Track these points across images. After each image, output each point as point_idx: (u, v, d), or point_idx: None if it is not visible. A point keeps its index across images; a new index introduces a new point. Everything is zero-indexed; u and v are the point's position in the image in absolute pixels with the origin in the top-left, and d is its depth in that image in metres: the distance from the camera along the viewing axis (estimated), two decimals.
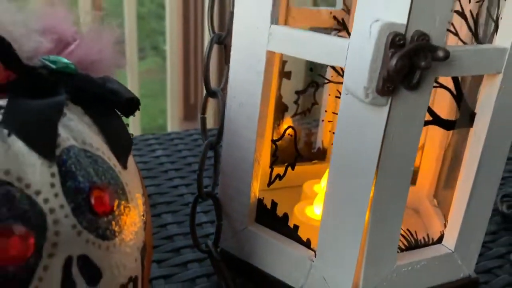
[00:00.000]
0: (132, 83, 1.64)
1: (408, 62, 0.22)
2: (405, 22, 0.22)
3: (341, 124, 0.26)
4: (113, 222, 0.19)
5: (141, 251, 0.21)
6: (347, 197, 0.27)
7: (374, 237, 0.27)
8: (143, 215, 0.22)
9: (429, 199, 0.39)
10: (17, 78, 0.19)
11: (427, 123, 0.28)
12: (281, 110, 0.40)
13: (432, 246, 0.32)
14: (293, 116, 0.40)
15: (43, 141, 0.17)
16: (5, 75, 0.19)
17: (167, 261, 0.34)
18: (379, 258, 0.28)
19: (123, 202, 0.20)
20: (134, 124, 1.68)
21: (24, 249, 0.16)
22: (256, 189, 0.31)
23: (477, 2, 0.29)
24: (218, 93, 0.31)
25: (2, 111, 0.17)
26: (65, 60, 0.21)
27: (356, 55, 0.23)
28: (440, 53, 0.23)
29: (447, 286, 0.32)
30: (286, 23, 0.37)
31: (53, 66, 0.20)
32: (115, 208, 0.19)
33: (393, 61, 0.22)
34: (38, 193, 0.16)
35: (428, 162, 0.39)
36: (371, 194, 0.26)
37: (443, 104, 0.33)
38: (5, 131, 0.17)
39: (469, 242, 0.32)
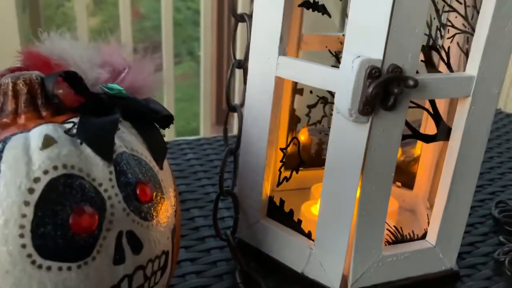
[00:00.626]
0: (168, 87, 1.72)
1: (382, 89, 0.28)
2: (381, 57, 0.28)
3: (332, 136, 0.32)
4: (152, 208, 0.26)
5: (172, 232, 0.28)
6: (337, 197, 0.32)
7: (361, 230, 0.33)
8: (174, 205, 0.29)
9: (423, 202, 0.44)
10: (85, 102, 0.26)
11: (407, 137, 0.34)
12: (294, 121, 0.46)
13: (417, 241, 0.37)
14: (305, 126, 0.46)
15: (104, 148, 0.24)
16: (76, 100, 0.26)
17: (193, 247, 0.41)
18: (366, 248, 0.34)
19: (159, 194, 0.26)
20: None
21: (91, 223, 0.23)
22: (267, 189, 0.38)
23: (448, 38, 0.34)
24: (237, 109, 0.38)
25: (76, 126, 0.24)
26: (118, 87, 0.28)
27: (343, 83, 0.29)
28: (410, 82, 0.28)
29: (430, 276, 0.37)
30: (299, 47, 0.43)
31: (110, 92, 0.27)
32: (153, 198, 0.26)
33: (370, 89, 0.28)
34: (100, 185, 0.23)
35: (424, 170, 0.44)
36: (358, 195, 0.32)
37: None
38: (78, 141, 0.24)
39: (449, 239, 0.37)
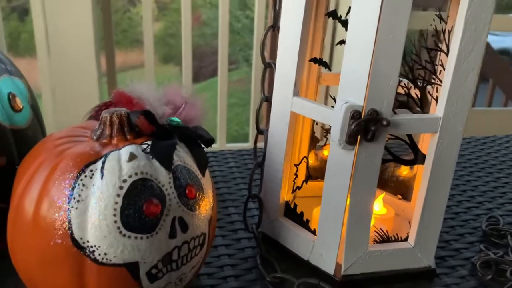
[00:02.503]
0: (221, 91, 1.86)
1: (362, 127, 0.39)
2: (362, 104, 0.39)
3: (329, 158, 0.43)
4: (196, 203, 0.38)
5: (209, 221, 0.40)
6: (332, 204, 0.43)
7: (350, 230, 0.43)
8: (211, 202, 0.41)
9: None
10: (155, 130, 0.39)
11: (388, 161, 0.44)
12: (314, 141, 0.57)
13: (400, 242, 0.47)
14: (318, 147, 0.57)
15: (166, 162, 0.37)
16: (150, 128, 0.39)
17: (228, 236, 0.53)
18: (355, 244, 0.44)
19: (201, 194, 0.39)
20: (221, 132, 1.90)
21: (156, 210, 0.35)
22: (284, 194, 0.49)
23: (419, 88, 0.44)
24: (264, 132, 0.50)
25: (149, 147, 0.37)
26: (177, 119, 0.40)
27: (335, 120, 0.40)
28: (384, 122, 0.39)
29: (409, 271, 0.47)
30: (318, 82, 0.54)
31: (172, 123, 0.40)
32: (197, 196, 0.38)
33: (352, 127, 0.39)
34: (163, 185, 0.36)
35: (419, 186, 0.54)
36: (348, 202, 0.43)
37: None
38: (150, 156, 0.36)
39: (426, 242, 0.46)
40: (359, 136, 0.40)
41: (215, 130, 1.94)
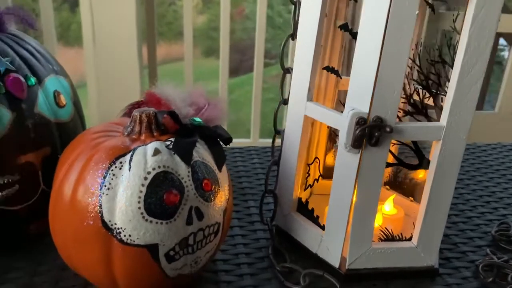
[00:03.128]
0: (256, 86, 1.90)
1: (366, 132, 0.42)
2: (367, 111, 0.42)
3: (337, 160, 0.46)
4: (211, 195, 0.42)
5: (224, 212, 0.44)
6: (339, 202, 0.47)
7: (354, 227, 0.47)
8: (227, 195, 0.45)
9: None
10: (178, 128, 0.44)
11: (393, 164, 0.47)
12: (332, 141, 0.60)
13: (403, 241, 0.50)
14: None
15: (186, 157, 0.41)
16: (174, 127, 0.44)
17: (245, 227, 0.57)
18: (359, 240, 0.47)
19: (217, 187, 0.43)
20: (255, 127, 1.94)
21: (175, 200, 0.40)
22: (297, 191, 0.53)
23: (425, 98, 0.46)
24: (281, 133, 0.53)
25: (172, 143, 0.42)
26: (199, 120, 0.45)
27: (342, 125, 0.43)
28: (387, 129, 0.42)
29: (412, 269, 0.50)
30: (336, 87, 0.58)
31: (194, 123, 0.44)
32: (212, 189, 0.42)
33: (356, 132, 0.42)
34: (182, 178, 0.41)
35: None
36: (354, 201, 0.46)
37: None
38: (173, 152, 0.41)
39: (428, 242, 0.49)
40: (364, 141, 0.43)
41: (249, 125, 1.98)
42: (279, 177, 0.54)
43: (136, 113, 0.43)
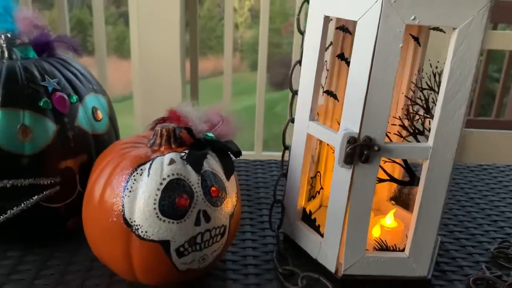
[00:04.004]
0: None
1: (356, 150, 0.47)
2: (357, 131, 0.47)
3: (333, 175, 0.51)
4: (218, 201, 0.49)
5: (230, 216, 0.51)
6: (335, 213, 0.52)
7: (349, 236, 0.51)
8: (234, 201, 0.51)
9: None
10: (193, 142, 0.50)
11: (384, 180, 0.52)
12: None
13: (396, 252, 0.54)
14: None
15: (197, 167, 0.48)
16: (190, 140, 0.51)
17: (256, 233, 0.63)
18: (353, 249, 0.52)
19: (224, 194, 0.49)
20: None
21: (186, 203, 0.46)
22: (301, 202, 0.58)
23: (415, 120, 0.51)
24: (289, 148, 0.59)
25: (186, 155, 0.48)
26: (212, 135, 0.51)
27: (336, 143, 0.49)
28: (375, 148, 0.47)
29: (404, 278, 0.53)
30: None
31: (207, 138, 0.51)
32: (219, 195, 0.49)
33: (347, 150, 0.47)
34: (193, 184, 0.47)
35: None
36: (347, 212, 0.51)
37: None
38: (185, 162, 0.48)
39: (420, 254, 0.53)
40: (354, 158, 0.48)
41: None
42: (286, 188, 0.60)
43: (158, 128, 0.50)
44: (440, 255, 0.61)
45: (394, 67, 0.45)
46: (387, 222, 0.61)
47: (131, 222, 0.46)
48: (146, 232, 0.46)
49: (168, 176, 0.46)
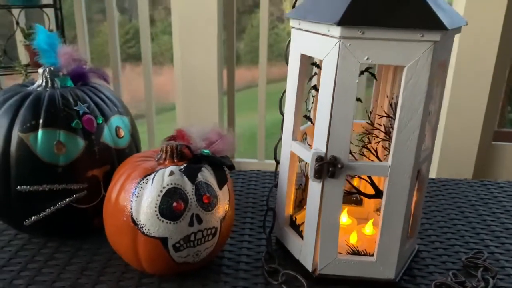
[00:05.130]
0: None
1: (324, 167, 0.56)
2: (324, 151, 0.56)
3: (309, 188, 0.60)
4: (209, 206, 0.59)
5: (221, 220, 0.61)
6: (310, 220, 0.60)
7: (322, 240, 0.60)
8: (226, 208, 0.61)
9: None
10: (192, 157, 0.61)
11: (353, 193, 0.60)
12: None
13: (367, 256, 0.62)
14: None
15: (192, 178, 0.58)
16: (189, 155, 0.61)
17: (254, 235, 0.73)
18: (326, 252, 0.60)
19: (215, 201, 0.60)
20: None
21: (181, 207, 0.57)
22: (289, 210, 0.67)
23: (376, 143, 0.58)
24: (280, 163, 0.68)
25: (184, 168, 0.59)
26: (208, 151, 0.62)
27: (308, 161, 0.57)
28: (339, 165, 0.55)
29: (373, 279, 0.61)
30: None
31: (203, 154, 0.61)
32: (211, 202, 0.59)
33: (316, 166, 0.56)
34: (188, 193, 0.58)
35: None
36: (320, 220, 0.59)
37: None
38: (183, 174, 0.59)
39: (386, 259, 0.60)
40: (322, 173, 0.57)
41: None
42: (277, 198, 0.69)
43: (163, 145, 0.62)
44: (415, 261, 0.68)
45: (352, 99, 0.53)
46: (366, 231, 0.69)
47: (137, 221, 0.57)
48: (149, 230, 0.57)
49: (168, 185, 0.57)
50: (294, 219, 0.67)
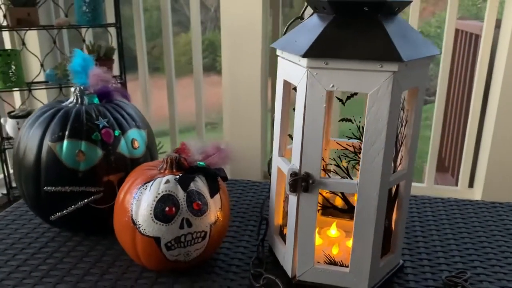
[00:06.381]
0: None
1: (298, 182, 0.62)
2: (298, 167, 0.62)
3: (289, 201, 0.66)
4: (199, 212, 0.67)
5: (211, 225, 0.68)
6: (290, 230, 0.66)
7: (300, 249, 0.65)
8: (217, 215, 0.69)
9: None
10: (188, 168, 0.70)
11: (328, 207, 0.65)
12: None
13: (341, 267, 0.66)
14: None
15: (185, 186, 0.67)
16: (187, 167, 0.70)
17: (250, 241, 0.79)
18: (303, 260, 0.66)
19: (205, 207, 0.67)
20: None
21: (173, 212, 0.65)
22: (278, 220, 0.73)
23: (346, 162, 0.63)
24: (271, 176, 0.75)
25: (178, 177, 0.68)
26: (202, 163, 0.70)
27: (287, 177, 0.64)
28: (310, 181, 0.61)
29: None
30: (328, 146, 0.77)
31: (199, 165, 0.70)
32: (201, 209, 0.67)
33: (290, 182, 0.62)
34: (179, 199, 0.66)
35: None
36: (297, 231, 0.65)
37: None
38: (177, 183, 0.67)
39: (359, 271, 0.64)
40: (298, 188, 0.62)
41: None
42: (269, 209, 0.75)
43: (165, 157, 0.71)
44: (398, 276, 0.71)
45: (320, 122, 0.59)
46: (350, 243, 0.73)
47: (136, 221, 0.66)
48: (144, 229, 0.66)
49: (163, 191, 0.66)
50: (282, 229, 0.73)
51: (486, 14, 1.87)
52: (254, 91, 2.09)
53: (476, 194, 2.02)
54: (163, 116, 2.40)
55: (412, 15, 1.93)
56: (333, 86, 0.57)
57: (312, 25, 0.61)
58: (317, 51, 0.56)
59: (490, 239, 0.81)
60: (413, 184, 2.03)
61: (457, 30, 2.75)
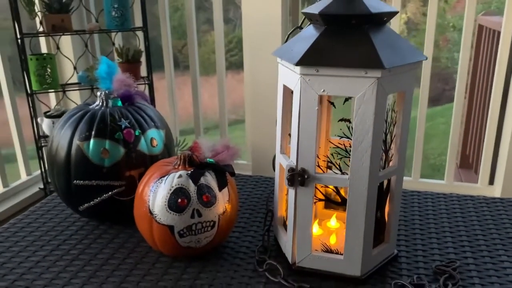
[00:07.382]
0: (419, 123, 2.06)
1: (295, 177, 0.68)
2: (295, 163, 0.69)
3: (288, 195, 0.73)
4: (208, 204, 0.74)
5: (219, 215, 0.76)
6: (290, 221, 0.73)
7: (298, 238, 0.72)
8: (225, 207, 0.76)
9: None
10: (199, 164, 0.77)
11: (322, 200, 0.71)
12: None
13: (336, 254, 0.73)
14: None
15: (195, 180, 0.74)
16: (198, 163, 0.78)
17: (257, 232, 0.87)
18: (301, 248, 0.73)
19: (214, 200, 0.75)
20: (416, 164, 2.08)
21: (185, 203, 0.73)
22: (282, 212, 0.80)
23: (338, 159, 0.69)
24: (275, 171, 0.82)
25: (190, 172, 0.76)
26: (212, 160, 0.78)
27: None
28: (305, 176, 0.68)
29: (342, 275, 0.72)
30: (327, 143, 0.83)
31: (208, 162, 0.77)
32: (210, 201, 0.75)
33: (287, 176, 0.69)
34: (190, 192, 0.74)
35: None
36: (296, 221, 0.72)
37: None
38: (189, 177, 0.75)
39: (352, 257, 0.71)
40: (295, 182, 0.69)
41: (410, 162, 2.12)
42: (274, 200, 0.82)
43: (179, 154, 0.79)
44: (392, 264, 0.77)
45: (314, 122, 0.66)
46: None
47: (153, 211, 0.75)
48: (160, 219, 0.74)
49: (176, 185, 0.74)
50: (285, 219, 0.80)
51: (505, 9, 1.87)
52: (274, 90, 2.15)
53: (496, 191, 2.03)
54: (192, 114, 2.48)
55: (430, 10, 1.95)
56: (323, 90, 0.64)
57: (307, 35, 0.67)
58: (309, 60, 0.63)
59: (484, 232, 0.86)
60: (433, 181, 2.12)
61: (480, 27, 2.73)
